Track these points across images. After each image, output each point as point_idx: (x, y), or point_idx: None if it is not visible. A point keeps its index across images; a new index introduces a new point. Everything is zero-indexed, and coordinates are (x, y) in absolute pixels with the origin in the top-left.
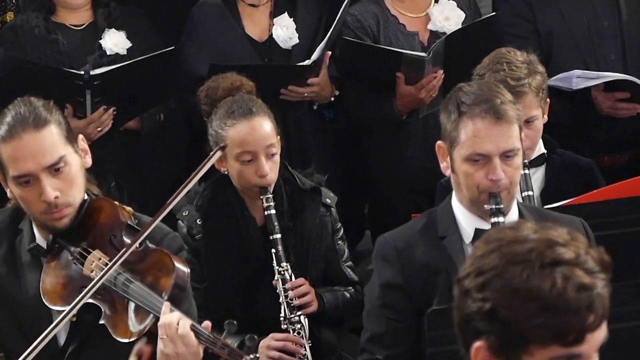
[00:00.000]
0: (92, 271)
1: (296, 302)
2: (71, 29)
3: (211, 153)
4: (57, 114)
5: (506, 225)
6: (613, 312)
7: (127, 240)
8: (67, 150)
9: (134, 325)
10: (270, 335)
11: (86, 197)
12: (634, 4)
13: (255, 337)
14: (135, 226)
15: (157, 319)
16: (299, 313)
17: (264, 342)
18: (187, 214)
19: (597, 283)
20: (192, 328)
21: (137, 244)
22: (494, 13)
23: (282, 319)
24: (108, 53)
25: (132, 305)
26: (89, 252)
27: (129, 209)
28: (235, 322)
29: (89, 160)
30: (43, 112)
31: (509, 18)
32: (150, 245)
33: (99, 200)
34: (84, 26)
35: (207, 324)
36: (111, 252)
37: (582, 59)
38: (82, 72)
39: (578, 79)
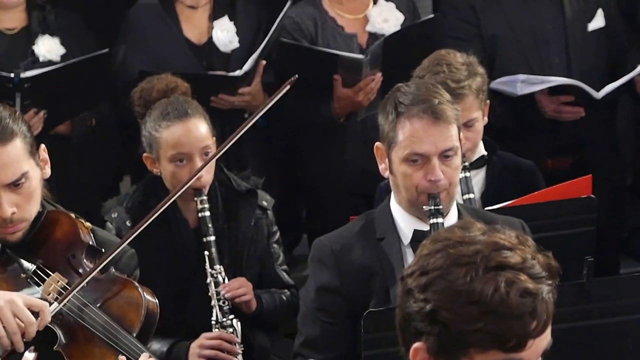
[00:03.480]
0: (49, 294)
1: (237, 300)
2: (3, 33)
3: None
4: (23, 124)
5: (456, 225)
6: (554, 313)
7: (88, 263)
8: (29, 165)
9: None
10: (202, 335)
11: (42, 208)
12: (578, 8)
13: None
14: (96, 246)
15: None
16: (231, 316)
17: (195, 343)
18: (116, 215)
19: (542, 289)
20: None
21: (99, 268)
22: (433, 15)
23: (214, 322)
24: (41, 60)
25: (93, 338)
26: (44, 271)
27: (87, 224)
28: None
29: (48, 171)
30: (10, 124)
31: (453, 22)
32: (114, 272)
33: (56, 213)
34: (16, 30)
35: None
36: (70, 275)
37: (526, 63)
38: (12, 75)
39: (522, 83)
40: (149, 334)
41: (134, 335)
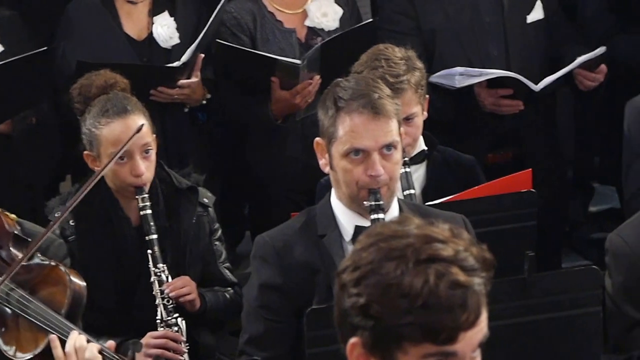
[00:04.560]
0: None
1: (181, 299)
2: None
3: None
4: None
5: (392, 220)
6: (493, 309)
7: (16, 252)
8: None
9: (29, 342)
10: (148, 334)
11: None
12: (517, 0)
13: (141, 341)
14: (23, 236)
15: (59, 338)
16: (176, 315)
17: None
18: (59, 215)
19: (474, 281)
20: (100, 351)
21: (28, 257)
22: (371, 20)
23: (158, 321)
24: None
25: (24, 323)
26: None
27: (12, 216)
28: (141, 342)
29: None
30: None
31: (391, 15)
32: (41, 258)
33: None
34: None
35: (111, 344)
36: None
37: (465, 56)
38: None
39: (460, 76)
40: (78, 314)
41: (63, 314)
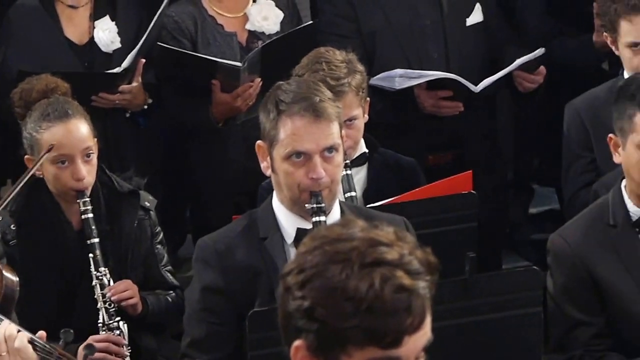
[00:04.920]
0: None
1: (123, 302)
2: None
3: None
4: None
5: (337, 222)
6: (435, 310)
7: None
8: None
9: None
10: (90, 337)
11: None
12: (456, 2)
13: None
14: None
15: None
16: (118, 318)
17: (83, 346)
18: (0, 219)
19: (419, 285)
20: (30, 340)
21: None
22: (312, 22)
23: (100, 325)
24: None
25: None
26: None
27: None
28: (71, 331)
29: None
30: None
31: (332, 18)
32: None
33: None
34: None
35: (42, 334)
36: None
37: (405, 58)
38: None
39: (400, 78)
40: (10, 308)
41: None
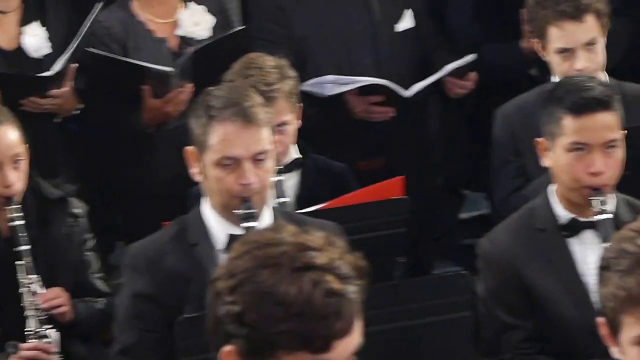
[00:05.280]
0: None
1: (53, 311)
2: None
3: None
4: None
5: (266, 228)
6: (366, 315)
7: None
8: None
9: None
10: (20, 346)
11: None
12: (387, 8)
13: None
14: None
15: None
16: (47, 326)
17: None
18: None
19: (349, 289)
20: None
21: None
22: (243, 27)
23: (30, 333)
24: None
25: None
26: None
27: None
28: (17, 344)
29: None
30: None
31: (263, 24)
32: None
33: None
34: None
35: None
36: None
37: (336, 64)
38: None
39: (331, 84)
40: None
41: None
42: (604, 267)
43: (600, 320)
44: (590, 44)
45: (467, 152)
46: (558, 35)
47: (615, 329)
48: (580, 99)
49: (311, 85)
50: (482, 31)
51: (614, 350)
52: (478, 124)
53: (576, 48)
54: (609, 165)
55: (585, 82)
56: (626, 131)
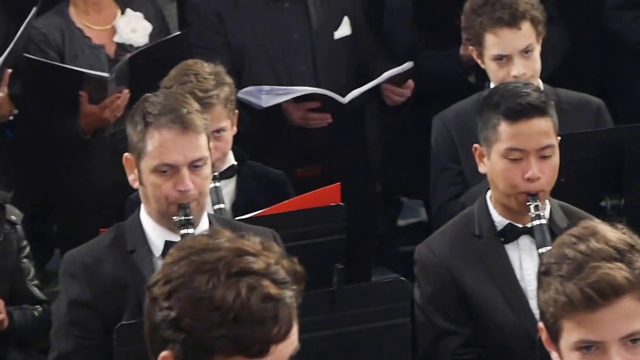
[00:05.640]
0: None
1: None
2: None
3: None
4: None
5: (203, 233)
6: (302, 322)
7: None
8: None
9: None
10: None
11: None
12: (324, 16)
13: None
14: None
15: None
16: None
17: None
18: None
19: (285, 294)
20: None
21: None
22: (180, 32)
23: None
24: None
25: None
26: None
27: None
28: None
29: None
30: None
31: (200, 31)
32: None
33: None
34: None
35: None
36: None
37: (273, 71)
38: None
39: (267, 95)
40: None
41: None
42: (545, 273)
43: (540, 325)
44: (526, 50)
45: (404, 159)
46: (494, 42)
47: (555, 334)
48: (516, 105)
49: (247, 93)
50: (420, 38)
51: (554, 356)
52: (416, 131)
53: (512, 55)
54: (545, 171)
55: (520, 89)
56: (561, 138)
